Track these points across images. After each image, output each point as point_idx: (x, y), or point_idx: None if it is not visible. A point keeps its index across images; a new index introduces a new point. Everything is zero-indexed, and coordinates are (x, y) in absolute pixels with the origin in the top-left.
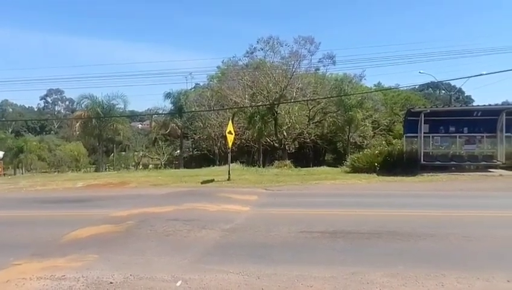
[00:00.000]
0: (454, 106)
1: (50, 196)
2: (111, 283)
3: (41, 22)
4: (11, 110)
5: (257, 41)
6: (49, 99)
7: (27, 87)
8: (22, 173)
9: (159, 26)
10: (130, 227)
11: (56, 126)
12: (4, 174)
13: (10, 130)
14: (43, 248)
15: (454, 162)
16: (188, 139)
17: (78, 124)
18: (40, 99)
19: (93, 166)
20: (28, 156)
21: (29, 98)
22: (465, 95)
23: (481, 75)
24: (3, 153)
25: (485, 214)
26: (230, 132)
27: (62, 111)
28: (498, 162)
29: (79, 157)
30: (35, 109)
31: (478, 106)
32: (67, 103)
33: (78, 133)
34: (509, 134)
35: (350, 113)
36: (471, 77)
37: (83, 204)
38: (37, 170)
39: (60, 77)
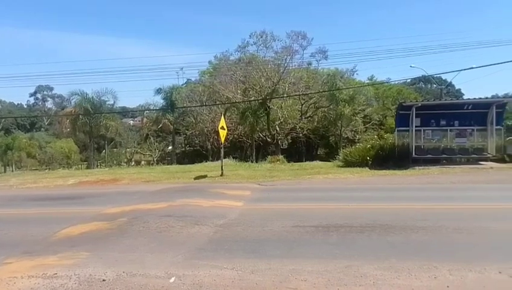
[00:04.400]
0: (445, 100)
1: (41, 194)
2: (103, 280)
3: (30, 18)
4: (0, 107)
5: (250, 36)
6: (38, 95)
7: (16, 83)
8: (12, 171)
9: (149, 21)
10: (122, 224)
11: (46, 123)
12: None
13: None
14: (34, 246)
15: (445, 155)
16: (180, 135)
17: (68, 120)
18: (30, 96)
19: (85, 163)
20: (17, 154)
21: (18, 95)
22: (456, 88)
23: (471, 68)
24: None
25: (476, 207)
26: (222, 127)
27: (52, 108)
28: (488, 155)
29: (70, 155)
30: (25, 106)
31: (469, 99)
32: (57, 99)
33: (68, 130)
34: (499, 127)
35: (341, 108)
36: (461, 70)
37: (74, 201)
38: (28, 167)
39: (49, 73)
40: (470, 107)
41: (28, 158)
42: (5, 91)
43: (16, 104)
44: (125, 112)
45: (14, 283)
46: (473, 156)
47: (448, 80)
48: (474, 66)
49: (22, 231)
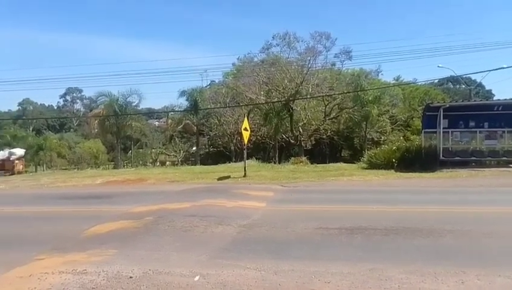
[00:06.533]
0: (474, 100)
1: (70, 192)
2: (131, 277)
3: (60, 22)
4: (31, 108)
5: (273, 37)
6: (68, 97)
7: (47, 86)
8: (43, 170)
9: (173, 24)
10: (148, 223)
11: (75, 124)
12: (25, 171)
13: (31, 128)
14: (64, 243)
15: (474, 158)
16: (204, 136)
17: (96, 121)
18: (60, 98)
19: (112, 163)
20: (48, 154)
21: (49, 97)
22: (486, 89)
23: (502, 68)
24: (24, 150)
25: (506, 211)
26: (246, 129)
27: (81, 109)
28: None
29: (98, 155)
30: (55, 107)
31: (499, 100)
32: (85, 101)
33: (96, 130)
34: None
35: (366, 108)
36: (491, 70)
37: (102, 200)
38: (57, 167)
39: (78, 76)
40: (500, 108)
41: (58, 158)
42: (36, 93)
43: (47, 105)
44: (150, 113)
45: (45, 279)
46: (504, 158)
47: (478, 81)
48: (504, 65)
49: (52, 228)
